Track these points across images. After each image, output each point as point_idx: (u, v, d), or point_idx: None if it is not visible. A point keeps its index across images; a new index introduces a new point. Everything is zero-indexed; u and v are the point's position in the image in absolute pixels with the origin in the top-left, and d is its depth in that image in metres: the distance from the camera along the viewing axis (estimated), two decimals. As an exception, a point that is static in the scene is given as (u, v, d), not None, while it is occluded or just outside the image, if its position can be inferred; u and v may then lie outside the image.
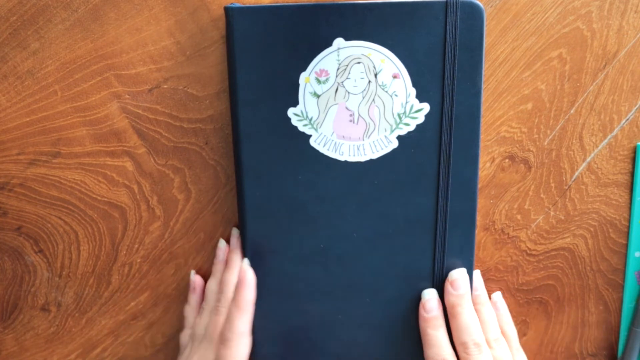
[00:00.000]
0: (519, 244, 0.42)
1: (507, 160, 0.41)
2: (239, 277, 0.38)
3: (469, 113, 0.36)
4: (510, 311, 0.43)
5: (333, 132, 0.36)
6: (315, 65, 0.36)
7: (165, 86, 0.39)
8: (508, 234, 0.42)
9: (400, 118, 0.36)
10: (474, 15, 0.35)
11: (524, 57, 0.39)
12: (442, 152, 0.37)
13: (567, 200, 0.42)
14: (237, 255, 0.39)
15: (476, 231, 0.38)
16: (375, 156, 0.37)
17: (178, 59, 0.39)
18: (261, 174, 0.37)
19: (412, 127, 0.36)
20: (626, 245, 0.42)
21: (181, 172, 0.40)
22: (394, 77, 0.36)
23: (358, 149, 0.37)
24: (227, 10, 0.35)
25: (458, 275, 0.38)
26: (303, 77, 0.36)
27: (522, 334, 0.44)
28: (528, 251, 0.42)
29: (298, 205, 0.37)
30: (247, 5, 0.36)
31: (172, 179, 0.41)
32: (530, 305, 0.43)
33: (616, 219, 0.42)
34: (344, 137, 0.36)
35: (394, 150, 0.37)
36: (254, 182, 0.37)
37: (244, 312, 0.37)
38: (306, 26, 0.35)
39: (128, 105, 0.39)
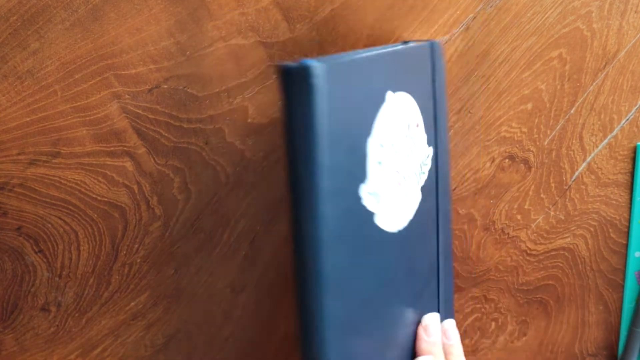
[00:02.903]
0: (519, 244, 0.42)
1: (507, 160, 0.41)
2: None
3: (445, 145, 0.36)
4: (510, 311, 0.43)
5: (391, 203, 0.30)
6: (378, 127, 0.29)
7: (165, 86, 0.39)
8: (508, 234, 0.42)
9: (421, 168, 0.33)
10: (438, 52, 0.35)
11: (524, 57, 0.39)
12: (439, 191, 0.36)
13: (567, 200, 0.42)
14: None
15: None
16: (412, 215, 0.32)
17: (178, 59, 0.39)
18: (344, 283, 0.27)
19: (426, 175, 0.34)
20: (626, 245, 0.42)
21: (181, 172, 0.40)
22: (417, 126, 0.32)
23: (403, 213, 0.31)
24: (306, 70, 0.24)
25: (430, 321, 0.36)
26: (371, 144, 0.28)
27: (522, 334, 0.44)
28: (528, 251, 0.42)
29: (379, 308, 0.30)
30: (324, 58, 0.25)
31: (172, 179, 0.41)
32: (530, 305, 0.43)
33: (616, 219, 0.42)
34: (395, 204, 0.30)
35: (420, 203, 0.33)
36: (337, 296, 0.27)
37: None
38: (366, 81, 0.28)
39: (128, 105, 0.39)
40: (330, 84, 0.25)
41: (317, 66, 0.24)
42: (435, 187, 0.35)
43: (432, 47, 0.35)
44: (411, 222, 0.32)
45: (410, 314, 0.34)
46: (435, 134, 0.35)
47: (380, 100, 0.29)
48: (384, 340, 0.31)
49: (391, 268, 0.31)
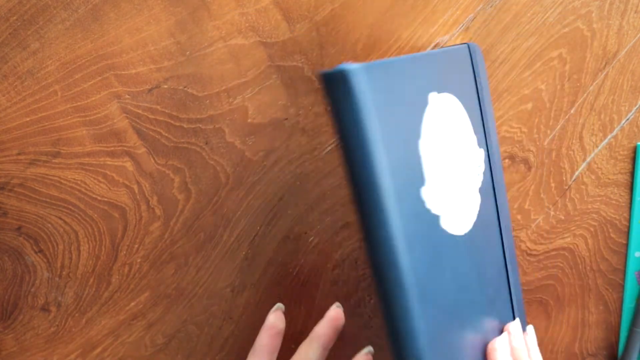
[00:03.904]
0: (519, 244, 0.42)
1: (507, 160, 0.41)
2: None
3: (495, 146, 0.35)
4: (510, 311, 0.43)
5: (453, 204, 0.30)
6: (426, 129, 0.29)
7: (165, 86, 0.39)
8: (508, 234, 0.42)
9: (476, 170, 0.34)
10: (480, 55, 0.35)
11: (524, 57, 0.39)
12: (496, 192, 0.35)
13: (567, 200, 0.42)
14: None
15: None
16: (474, 218, 0.32)
17: (178, 59, 0.39)
18: (426, 288, 0.27)
19: (481, 177, 0.34)
20: (626, 245, 0.42)
21: (181, 172, 0.40)
22: (466, 127, 0.32)
23: (466, 215, 0.32)
24: (345, 73, 0.24)
25: (514, 329, 0.35)
26: (422, 146, 0.28)
27: (522, 334, 0.44)
28: (528, 251, 0.42)
29: (461, 312, 0.30)
30: (364, 63, 0.26)
31: (172, 179, 0.41)
32: (530, 305, 0.43)
33: (616, 219, 0.42)
34: (457, 206, 0.31)
35: (480, 206, 0.33)
36: (423, 303, 0.27)
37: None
38: (410, 82, 0.28)
39: (128, 105, 0.39)
40: (371, 85, 0.25)
41: (356, 68, 0.24)
42: (492, 190, 0.35)
43: (471, 49, 0.34)
44: (475, 225, 0.32)
45: (486, 322, 0.34)
46: (485, 136, 0.35)
47: (425, 102, 0.29)
48: (466, 348, 0.31)
49: (465, 273, 0.31)
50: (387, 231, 0.25)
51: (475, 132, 0.34)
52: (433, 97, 0.29)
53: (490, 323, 0.34)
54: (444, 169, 0.30)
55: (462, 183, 0.31)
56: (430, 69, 0.30)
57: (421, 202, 0.28)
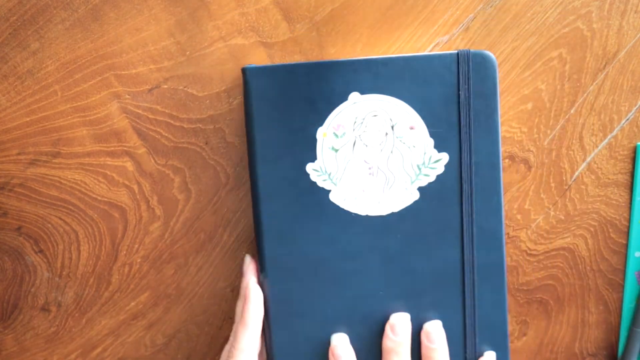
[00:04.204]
0: (519, 244, 0.42)
1: (507, 160, 0.41)
2: (245, 294, 0.37)
3: (489, 161, 0.36)
4: (511, 311, 0.43)
5: (352, 186, 0.36)
6: (332, 120, 0.36)
7: (165, 86, 0.39)
8: (508, 234, 0.42)
9: (419, 169, 0.36)
10: (486, 65, 0.35)
11: (524, 57, 0.39)
12: (463, 201, 0.36)
13: (567, 200, 0.42)
14: (245, 280, 0.39)
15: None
16: (396, 209, 0.36)
17: (178, 59, 0.39)
18: (282, 232, 0.37)
19: (432, 178, 0.36)
20: (626, 245, 0.42)
21: (181, 172, 0.40)
22: (411, 128, 0.36)
23: (379, 202, 0.36)
24: (244, 71, 0.36)
25: (397, 320, 0.36)
26: (320, 132, 0.36)
27: (522, 334, 0.44)
28: (528, 251, 0.42)
29: (321, 263, 0.37)
30: (263, 65, 0.37)
31: (172, 179, 0.41)
32: (530, 305, 0.43)
33: (616, 219, 0.42)
34: (363, 190, 0.36)
35: (415, 202, 0.36)
36: (275, 241, 0.37)
37: (248, 327, 0.36)
38: (322, 83, 0.36)
39: (128, 105, 0.39)
40: (265, 81, 0.36)
41: (251, 67, 0.36)
42: (460, 197, 0.36)
43: (460, 57, 0.35)
44: (396, 215, 0.36)
45: (387, 307, 0.37)
46: (460, 143, 0.36)
47: (343, 99, 0.36)
48: (332, 311, 0.37)
49: (350, 245, 0.37)
50: (254, 181, 0.36)
51: (434, 136, 0.36)
52: (354, 96, 0.36)
53: (383, 309, 0.37)
54: (350, 156, 0.36)
55: (380, 174, 0.36)
56: (362, 72, 0.35)
57: (306, 175, 0.36)
